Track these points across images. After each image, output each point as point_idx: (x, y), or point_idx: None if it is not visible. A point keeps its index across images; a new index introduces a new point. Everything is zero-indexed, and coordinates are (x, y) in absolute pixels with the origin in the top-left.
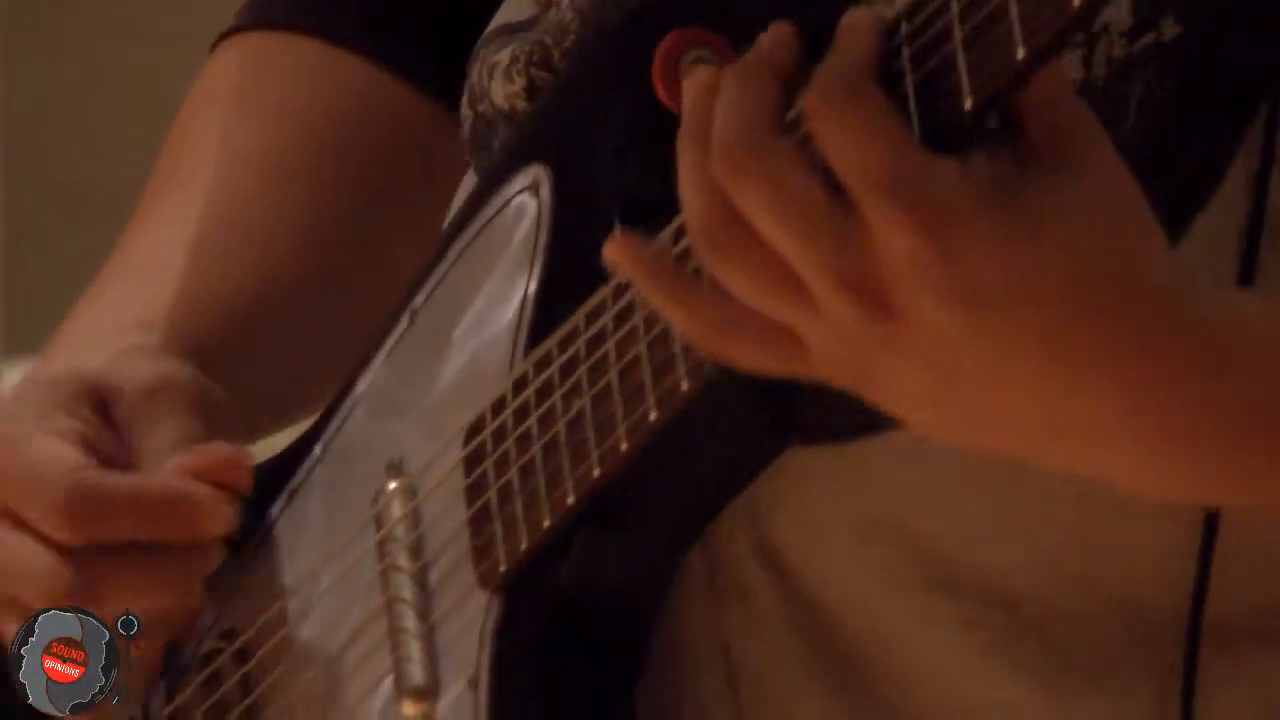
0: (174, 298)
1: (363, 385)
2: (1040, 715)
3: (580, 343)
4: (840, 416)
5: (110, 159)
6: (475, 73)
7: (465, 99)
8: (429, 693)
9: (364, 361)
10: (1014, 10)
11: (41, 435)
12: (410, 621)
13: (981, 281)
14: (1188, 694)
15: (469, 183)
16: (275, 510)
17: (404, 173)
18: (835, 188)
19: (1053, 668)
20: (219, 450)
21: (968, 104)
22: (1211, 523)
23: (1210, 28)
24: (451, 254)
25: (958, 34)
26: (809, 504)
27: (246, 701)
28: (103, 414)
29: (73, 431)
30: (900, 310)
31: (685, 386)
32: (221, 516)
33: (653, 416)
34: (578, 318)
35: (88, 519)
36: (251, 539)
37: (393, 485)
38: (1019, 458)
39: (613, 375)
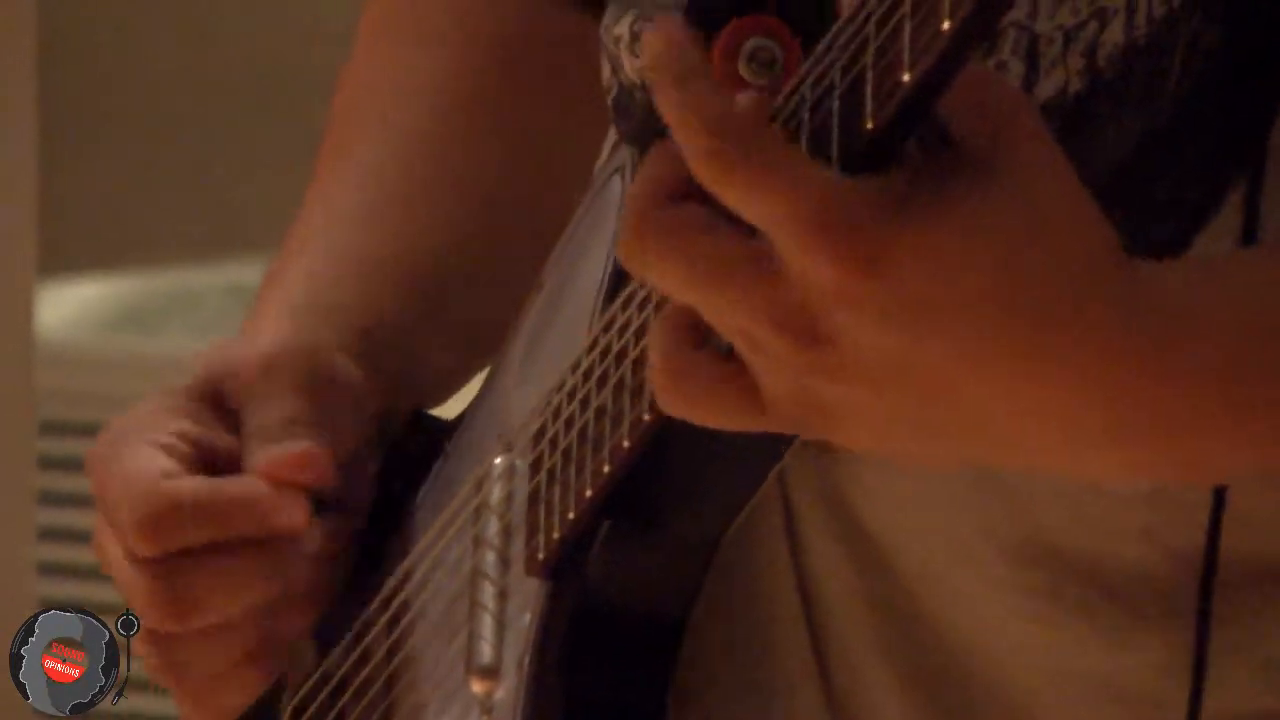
0: (343, 273)
1: (509, 349)
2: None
3: (612, 333)
4: None
5: (145, 78)
6: (609, 39)
7: (607, 68)
8: (493, 673)
9: (514, 325)
10: (905, 24)
11: (136, 447)
12: (489, 598)
13: (915, 296)
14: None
15: (609, 145)
16: (435, 469)
17: (571, 93)
18: (731, 230)
19: (1089, 622)
20: (287, 453)
21: (869, 125)
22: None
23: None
24: (574, 223)
25: (854, 64)
26: (881, 474)
27: (384, 654)
28: (217, 402)
29: (175, 437)
30: (833, 338)
31: None
32: (288, 516)
33: (646, 417)
34: (616, 305)
35: (160, 532)
36: (413, 499)
37: (498, 456)
38: (986, 463)
39: (626, 370)
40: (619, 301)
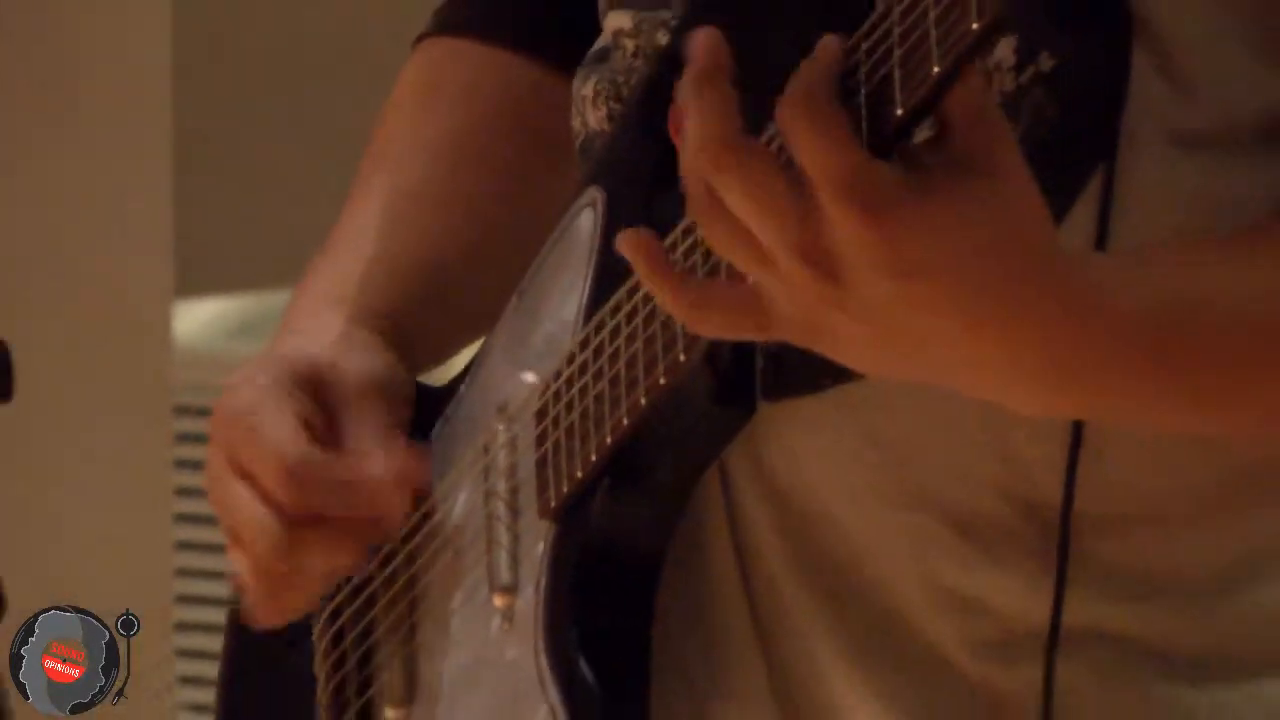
0: (365, 273)
1: (493, 339)
2: (960, 583)
3: (605, 332)
4: (812, 375)
5: (276, 110)
6: (577, 97)
7: (576, 119)
8: (512, 589)
9: (497, 321)
10: (932, 34)
11: (274, 408)
12: (502, 535)
13: (908, 257)
14: (1063, 553)
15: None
16: (436, 429)
17: (553, 150)
18: (796, 177)
19: (966, 550)
20: (409, 455)
21: (899, 112)
22: (1077, 429)
23: (1077, 60)
24: (546, 248)
25: (896, 53)
26: (796, 437)
27: (409, 574)
28: (318, 398)
29: (296, 411)
30: (846, 279)
31: (684, 357)
32: (400, 508)
33: (642, 401)
34: (603, 314)
35: (305, 489)
36: (441, 431)
37: (499, 425)
38: (940, 385)
39: (622, 359)
40: (607, 309)
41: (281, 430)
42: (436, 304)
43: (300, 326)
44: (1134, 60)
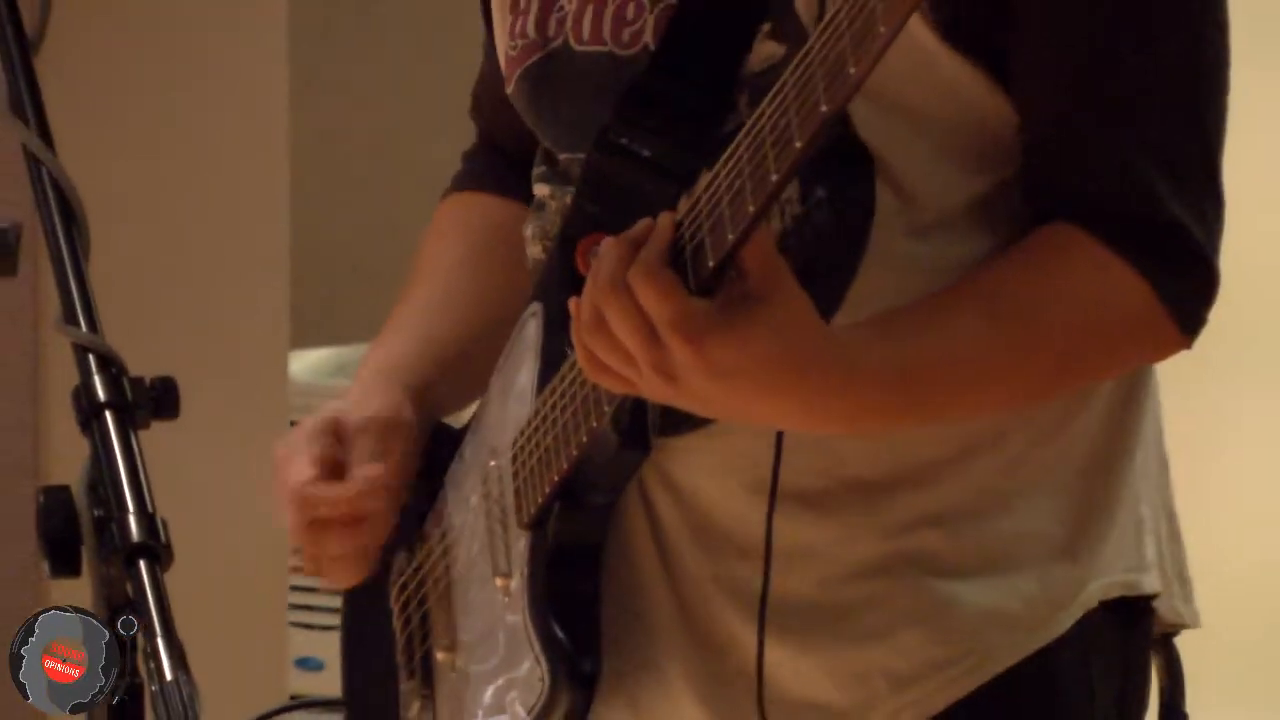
0: (402, 353)
1: (485, 403)
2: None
3: (548, 405)
4: (690, 419)
5: (386, 176)
6: (524, 236)
7: (526, 248)
8: (507, 574)
9: (487, 390)
10: (726, 214)
11: (296, 460)
12: (499, 540)
13: (720, 365)
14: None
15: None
16: (454, 463)
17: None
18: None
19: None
20: (366, 475)
21: (710, 264)
22: (779, 437)
23: (841, 190)
24: (509, 345)
25: (705, 226)
26: (687, 453)
27: (445, 562)
28: (338, 435)
29: (312, 454)
30: (681, 380)
31: (596, 424)
32: (368, 510)
33: (574, 451)
34: (547, 391)
35: (306, 506)
36: (441, 480)
37: (491, 462)
38: (761, 425)
39: (561, 421)
40: (549, 388)
41: (297, 469)
42: (454, 372)
43: (349, 395)
44: (877, 184)
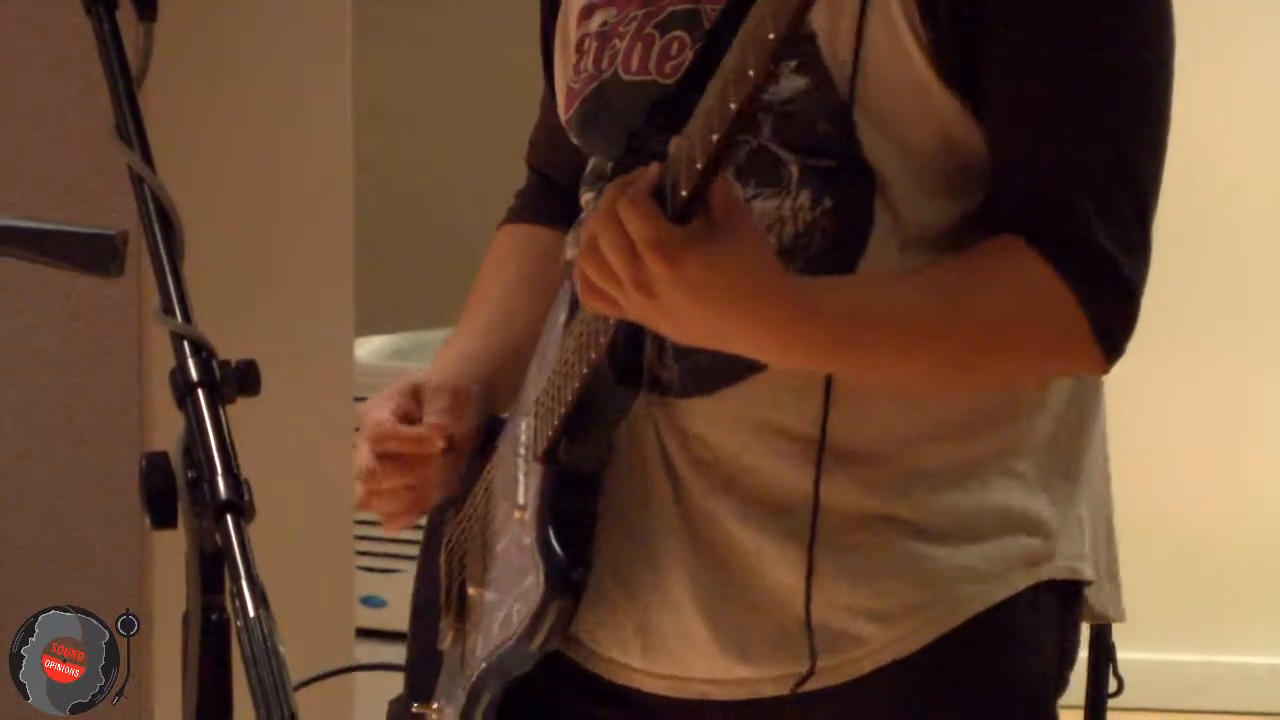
0: (473, 351)
1: (526, 375)
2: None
3: (566, 345)
4: (708, 381)
5: (450, 185)
6: (566, 243)
7: (568, 250)
8: (524, 507)
9: (528, 368)
10: (696, 145)
11: (379, 406)
12: (519, 476)
13: (690, 278)
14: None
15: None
16: (502, 433)
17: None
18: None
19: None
20: (429, 424)
21: (683, 193)
22: (828, 381)
23: (846, 200)
24: (546, 320)
25: (681, 161)
26: (701, 417)
27: (484, 509)
28: (415, 395)
29: (390, 406)
30: (659, 295)
31: (595, 355)
32: (431, 451)
33: (578, 384)
34: (569, 334)
35: (379, 441)
36: (492, 447)
37: (523, 419)
38: (728, 349)
39: (570, 361)
40: (571, 330)
41: (379, 414)
42: (510, 374)
43: (435, 366)
44: (876, 202)
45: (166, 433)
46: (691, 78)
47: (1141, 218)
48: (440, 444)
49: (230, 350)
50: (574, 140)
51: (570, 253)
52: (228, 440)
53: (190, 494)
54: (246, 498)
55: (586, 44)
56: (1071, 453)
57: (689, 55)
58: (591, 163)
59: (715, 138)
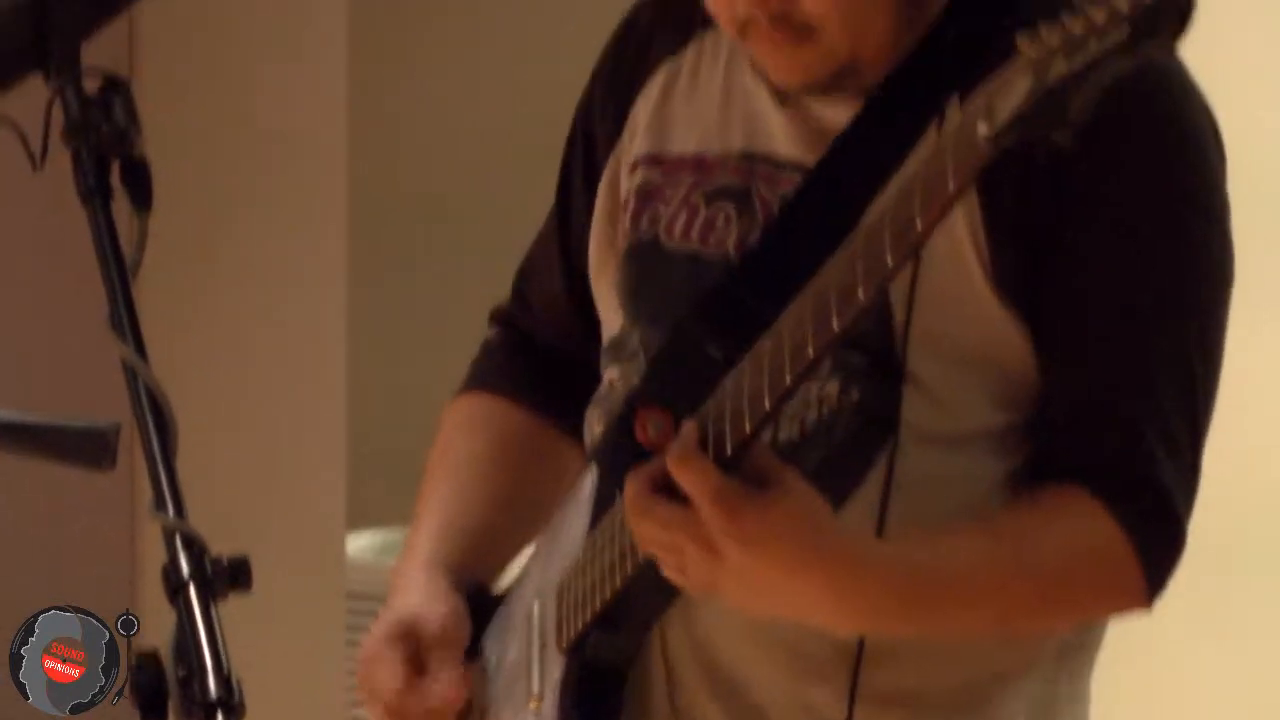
0: (438, 539)
1: (531, 562)
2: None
3: (594, 547)
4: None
5: (439, 376)
6: (587, 422)
7: (586, 433)
8: (541, 698)
9: (531, 552)
10: (745, 407)
11: (384, 661)
12: (536, 665)
13: (747, 532)
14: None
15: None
16: (498, 613)
17: (543, 466)
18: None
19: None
20: (456, 683)
21: (729, 452)
22: (861, 640)
23: (871, 395)
24: (564, 501)
25: (727, 417)
26: (709, 616)
27: (497, 684)
28: (415, 638)
29: (400, 656)
30: (718, 548)
31: (640, 558)
32: (455, 710)
33: (608, 591)
34: (594, 535)
35: (399, 716)
36: (498, 617)
37: (535, 603)
38: (776, 613)
39: (608, 555)
40: (600, 527)
41: (388, 674)
42: (486, 547)
43: (404, 586)
44: (906, 396)
45: (160, 629)
46: (746, 267)
47: (1196, 445)
48: (461, 699)
49: (221, 543)
50: (604, 293)
51: (596, 430)
52: (219, 637)
53: (181, 692)
54: (237, 697)
55: (627, 199)
56: (1067, 694)
57: (733, 229)
58: (612, 338)
59: (768, 406)
